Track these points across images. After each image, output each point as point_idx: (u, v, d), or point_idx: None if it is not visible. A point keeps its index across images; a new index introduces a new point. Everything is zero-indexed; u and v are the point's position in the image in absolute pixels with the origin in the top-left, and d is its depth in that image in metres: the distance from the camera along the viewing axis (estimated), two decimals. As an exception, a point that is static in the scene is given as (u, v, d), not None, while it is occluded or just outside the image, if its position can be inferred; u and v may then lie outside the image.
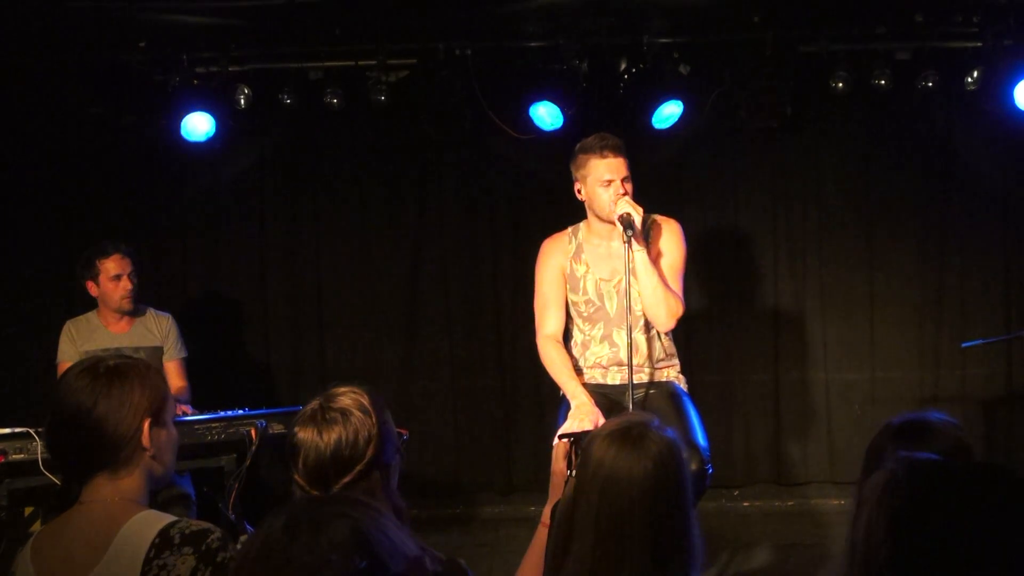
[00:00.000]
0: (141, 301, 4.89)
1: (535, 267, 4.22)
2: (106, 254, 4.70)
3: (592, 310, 4.08)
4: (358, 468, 2.16)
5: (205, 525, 1.95)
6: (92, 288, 4.75)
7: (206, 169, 5.91)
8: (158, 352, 4.79)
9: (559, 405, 4.13)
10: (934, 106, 5.69)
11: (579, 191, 4.08)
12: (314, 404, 2.24)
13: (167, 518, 1.97)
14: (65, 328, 4.81)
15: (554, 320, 4.12)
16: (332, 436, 2.16)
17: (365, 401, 2.23)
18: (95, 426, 1.98)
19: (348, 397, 2.23)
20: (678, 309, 3.95)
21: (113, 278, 4.70)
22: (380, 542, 1.35)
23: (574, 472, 2.13)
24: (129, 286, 4.72)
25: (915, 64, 5.40)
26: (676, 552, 2.02)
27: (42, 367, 5.21)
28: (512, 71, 5.54)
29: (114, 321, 4.79)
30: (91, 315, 4.83)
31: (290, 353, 6.03)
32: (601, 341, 4.08)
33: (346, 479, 2.15)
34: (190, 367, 4.96)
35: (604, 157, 3.95)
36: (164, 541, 1.91)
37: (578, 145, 4.07)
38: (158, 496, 2.03)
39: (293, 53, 5.54)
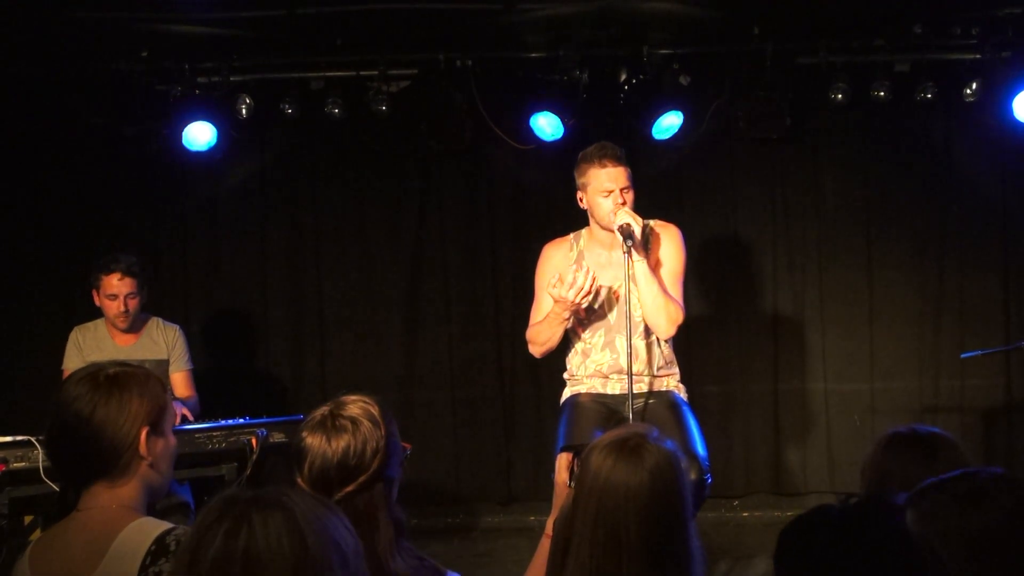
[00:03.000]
0: (149, 311, 4.86)
1: (535, 271, 4.24)
2: (108, 271, 4.62)
3: (592, 316, 4.09)
4: (362, 479, 2.14)
5: None
6: (95, 298, 4.73)
7: (207, 178, 5.93)
8: (163, 365, 4.75)
9: (559, 415, 4.13)
10: (933, 118, 5.71)
11: (581, 199, 4.10)
12: (324, 410, 2.22)
13: (163, 525, 1.97)
14: (72, 335, 4.79)
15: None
16: (340, 444, 2.14)
17: (375, 411, 2.21)
18: (93, 434, 1.98)
19: (358, 406, 2.21)
20: (679, 316, 3.97)
21: (108, 296, 4.64)
22: (315, 533, 1.36)
23: (573, 483, 2.14)
24: (122, 308, 4.63)
25: (914, 76, 5.42)
26: (675, 563, 2.02)
27: (43, 375, 5.21)
28: (513, 81, 5.56)
29: (120, 332, 4.77)
30: (99, 323, 4.80)
31: (291, 362, 6.04)
32: (602, 349, 4.08)
33: (349, 488, 2.13)
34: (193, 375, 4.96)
35: (604, 166, 3.97)
36: (160, 548, 1.91)
37: (580, 154, 4.10)
38: (156, 505, 2.02)
39: (294, 63, 5.57)
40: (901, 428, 2.33)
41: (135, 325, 4.77)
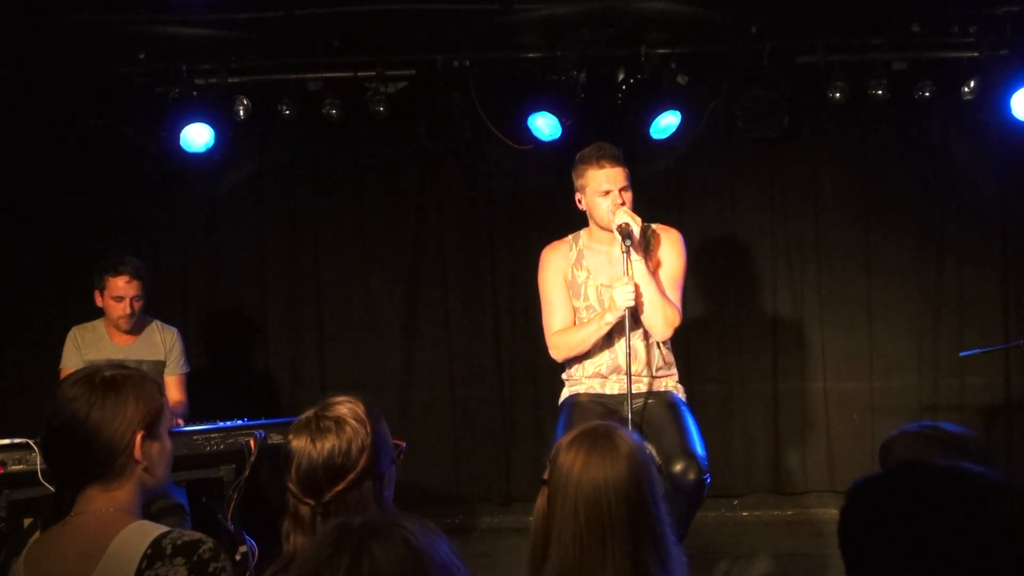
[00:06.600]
0: (148, 313, 4.88)
1: (538, 276, 4.20)
2: (116, 272, 4.66)
3: (593, 316, 4.08)
4: (350, 477, 2.18)
5: (197, 535, 1.96)
6: (98, 298, 4.75)
7: (205, 180, 5.93)
8: (160, 366, 4.79)
9: (558, 415, 4.13)
10: (931, 116, 5.71)
11: (579, 200, 4.09)
12: (310, 413, 2.27)
13: (159, 528, 1.97)
14: (71, 334, 4.81)
15: (561, 319, 4.11)
16: (325, 444, 2.19)
17: (360, 411, 2.26)
18: (87, 436, 1.99)
19: (344, 406, 2.26)
20: (675, 319, 3.96)
21: (115, 298, 4.68)
22: (434, 563, 1.36)
23: (547, 475, 2.14)
24: (128, 311, 4.68)
25: (912, 74, 5.42)
26: (654, 546, 2.04)
27: (41, 378, 5.21)
28: (510, 82, 5.56)
29: (119, 332, 4.79)
30: (98, 323, 4.83)
31: (289, 363, 6.04)
32: (601, 349, 4.08)
33: (339, 487, 2.17)
34: (191, 378, 4.97)
35: (602, 167, 3.97)
36: (156, 552, 1.92)
37: (578, 155, 4.09)
38: (151, 507, 2.05)
39: (292, 64, 5.57)
40: (927, 422, 2.33)
41: (136, 326, 4.80)
